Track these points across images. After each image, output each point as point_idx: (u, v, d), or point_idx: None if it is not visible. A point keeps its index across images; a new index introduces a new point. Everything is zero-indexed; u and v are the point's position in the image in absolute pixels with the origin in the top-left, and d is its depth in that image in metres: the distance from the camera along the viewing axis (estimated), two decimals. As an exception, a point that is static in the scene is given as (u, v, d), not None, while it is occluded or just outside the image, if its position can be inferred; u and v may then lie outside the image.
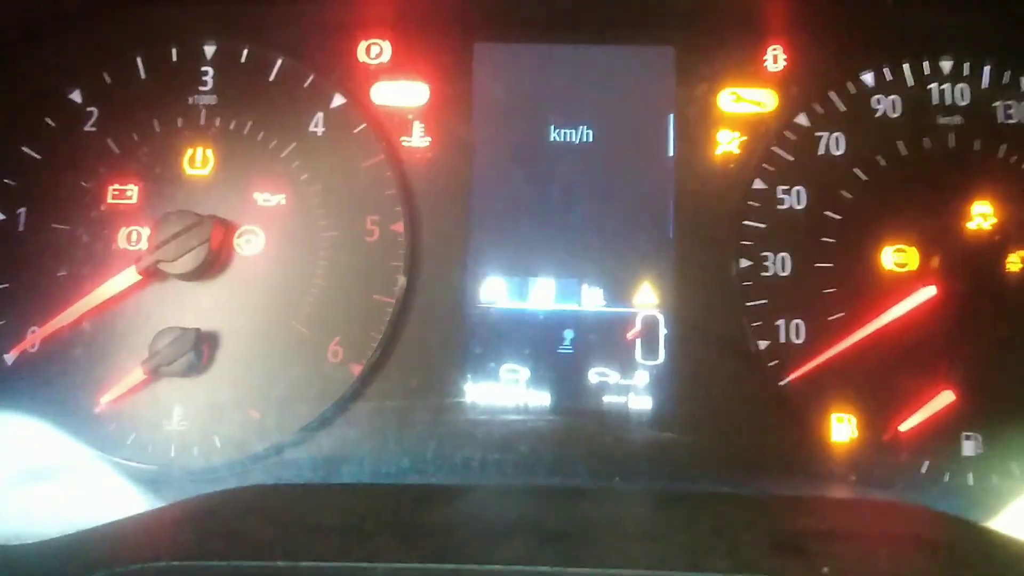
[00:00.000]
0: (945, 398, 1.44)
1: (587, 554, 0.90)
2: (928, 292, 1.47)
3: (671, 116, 1.58)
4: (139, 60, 1.58)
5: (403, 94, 1.59)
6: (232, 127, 1.56)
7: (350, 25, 1.60)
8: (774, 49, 1.60)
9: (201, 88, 1.57)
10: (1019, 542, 1.00)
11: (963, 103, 1.57)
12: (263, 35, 1.59)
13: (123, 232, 1.53)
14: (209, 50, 1.59)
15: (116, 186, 1.54)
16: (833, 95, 1.58)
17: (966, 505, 1.40)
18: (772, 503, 1.21)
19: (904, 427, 1.44)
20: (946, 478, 1.45)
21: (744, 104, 1.59)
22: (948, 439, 1.45)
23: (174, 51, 1.59)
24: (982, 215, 1.51)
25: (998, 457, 1.44)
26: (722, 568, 0.84)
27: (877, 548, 0.97)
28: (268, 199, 1.54)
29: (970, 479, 1.44)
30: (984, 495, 1.43)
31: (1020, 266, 1.48)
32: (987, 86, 1.57)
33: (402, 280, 1.51)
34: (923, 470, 1.45)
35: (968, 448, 1.45)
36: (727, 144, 1.57)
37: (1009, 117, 1.55)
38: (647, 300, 1.52)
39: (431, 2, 1.60)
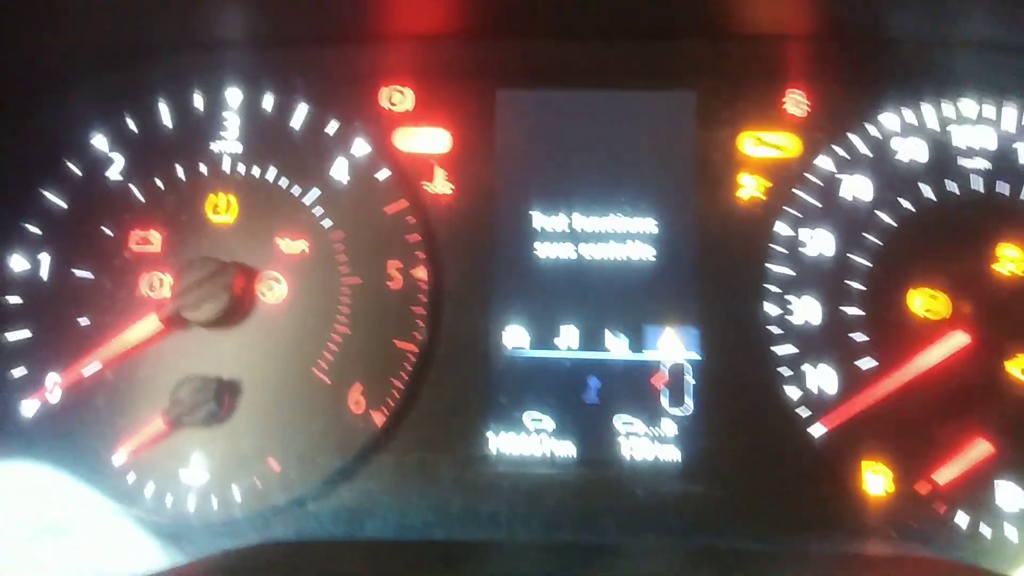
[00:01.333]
0: (981, 448, 1.41)
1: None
2: (960, 339, 1.45)
3: (693, 161, 1.57)
4: (163, 106, 1.59)
5: (426, 141, 1.59)
6: (255, 174, 1.56)
7: (373, 72, 1.61)
8: (793, 93, 1.60)
9: (224, 135, 1.58)
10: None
11: (986, 145, 1.56)
12: (286, 81, 1.59)
13: (145, 279, 1.53)
14: (233, 97, 1.60)
15: (139, 233, 1.54)
16: (855, 138, 1.57)
17: (1005, 560, 1.37)
18: (807, 560, 1.17)
19: (939, 478, 1.41)
20: (983, 530, 1.41)
21: (765, 148, 1.58)
22: (985, 490, 1.42)
23: (198, 97, 1.60)
24: (1011, 259, 1.49)
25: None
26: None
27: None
28: (291, 246, 1.54)
29: (1006, 531, 1.41)
30: (1018, 546, 1.40)
31: (1051, 310, 1.46)
32: (1009, 127, 1.56)
33: (424, 326, 1.49)
34: (960, 523, 1.41)
35: (1004, 499, 1.42)
36: (750, 188, 1.56)
37: (1033, 159, 1.54)
38: (673, 347, 1.50)
39: (453, 50, 1.61)
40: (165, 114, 1.59)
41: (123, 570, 1.30)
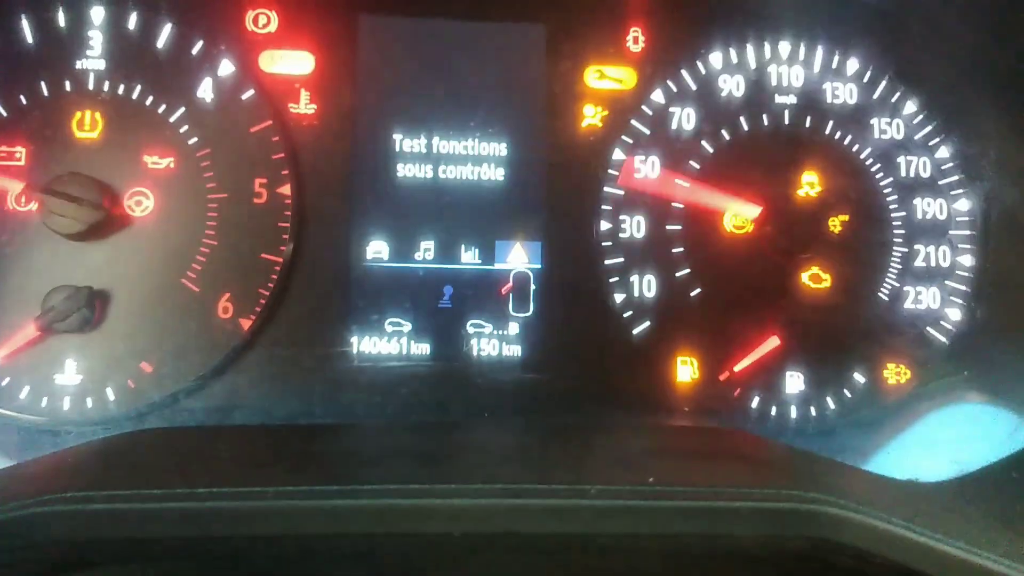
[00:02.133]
0: (772, 342, 1.67)
1: (453, 473, 1.05)
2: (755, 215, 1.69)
3: (541, 91, 1.72)
4: (26, 23, 1.60)
5: (290, 63, 1.67)
6: (121, 91, 1.61)
7: (238, -6, 1.66)
8: (635, 30, 1.75)
9: (89, 53, 1.61)
10: (814, 456, 1.23)
11: (797, 84, 1.77)
12: (151, 1, 1.63)
13: (12, 194, 1.56)
14: (97, 14, 1.62)
15: (3, 148, 1.57)
16: (685, 74, 1.75)
17: (790, 435, 1.64)
18: (616, 430, 1.39)
19: (737, 368, 1.67)
20: (773, 411, 1.68)
21: (607, 81, 1.74)
22: (773, 377, 1.68)
23: (61, 15, 1.61)
24: (809, 184, 1.72)
25: (815, 393, 1.69)
26: (565, 480, 1.00)
27: (698, 463, 1.16)
28: (157, 162, 1.60)
29: (789, 410, 1.68)
30: (803, 424, 1.68)
31: (839, 229, 1.71)
32: (818, 68, 1.78)
33: (289, 239, 1.60)
34: (753, 404, 1.68)
35: (791, 385, 1.69)
36: (591, 118, 1.72)
37: (836, 98, 1.77)
38: (519, 259, 1.68)
39: (316, -25, 1.68)
40: (28, 31, 1.60)
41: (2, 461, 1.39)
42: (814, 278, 1.70)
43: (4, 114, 1.58)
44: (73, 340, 1.53)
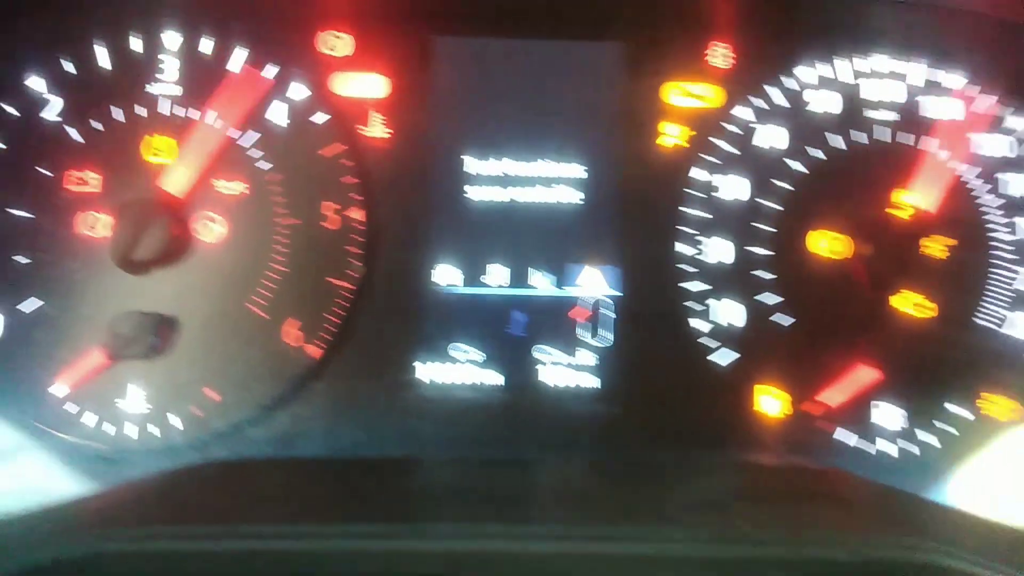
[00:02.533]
0: (867, 374, 1.55)
1: (528, 515, 0.97)
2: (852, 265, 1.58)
3: (618, 110, 1.64)
4: (100, 48, 1.61)
5: (363, 86, 1.64)
6: (193, 116, 1.60)
7: (311, 16, 1.64)
8: (718, 45, 1.67)
9: (162, 77, 1.61)
10: (920, 499, 1.10)
11: (892, 98, 1.66)
12: (226, 24, 1.62)
13: (83, 218, 1.56)
14: (171, 39, 1.63)
15: (76, 173, 1.57)
16: (772, 90, 1.66)
17: (887, 474, 1.50)
18: (700, 469, 1.29)
19: (828, 400, 1.54)
20: (865, 446, 1.55)
21: (689, 98, 1.66)
22: (868, 411, 1.56)
23: (135, 39, 1.62)
24: (908, 205, 1.60)
25: (915, 428, 1.56)
26: (649, 525, 0.91)
27: (792, 505, 1.06)
28: (228, 187, 1.58)
29: (885, 446, 1.55)
30: (903, 463, 1.54)
31: (934, 251, 1.58)
32: (915, 82, 1.66)
33: (359, 265, 1.56)
34: (847, 441, 1.55)
35: (889, 420, 1.55)
36: (672, 136, 1.65)
37: (937, 114, 1.64)
38: (594, 285, 1.60)
39: (390, -5, 1.65)
40: (102, 56, 1.61)
41: (67, 491, 1.36)
42: (913, 305, 1.57)
43: (78, 139, 1.59)
44: (139, 367, 1.52)
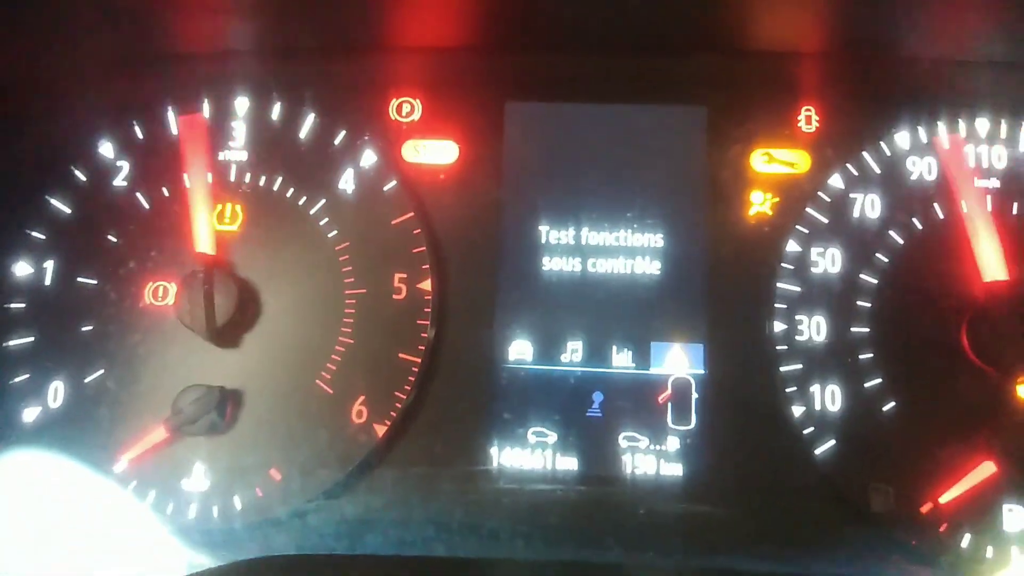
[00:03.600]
0: (986, 469, 1.40)
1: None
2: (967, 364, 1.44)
3: (702, 177, 1.56)
4: (171, 115, 1.59)
5: (434, 152, 1.58)
6: (262, 183, 1.56)
7: (382, 83, 1.60)
8: (807, 110, 1.59)
9: (231, 144, 1.58)
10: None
11: (1000, 165, 1.55)
12: (295, 91, 1.59)
13: (150, 288, 1.52)
14: (241, 105, 1.60)
15: (145, 241, 1.53)
16: (867, 156, 1.56)
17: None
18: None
19: (944, 499, 1.40)
20: (988, 552, 1.39)
21: (777, 165, 1.57)
22: (990, 512, 1.40)
23: (206, 106, 1.59)
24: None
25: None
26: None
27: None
28: (296, 256, 1.53)
29: (1011, 553, 1.39)
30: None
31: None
32: (1018, 148, 1.55)
33: (428, 338, 1.48)
34: (964, 544, 1.40)
35: (1011, 522, 1.40)
36: (760, 205, 1.55)
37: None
38: (679, 364, 1.49)
39: (463, 61, 1.60)
40: (172, 123, 1.59)
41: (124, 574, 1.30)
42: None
43: (146, 206, 1.55)
44: (202, 443, 1.45)
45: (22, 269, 1.54)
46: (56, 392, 1.48)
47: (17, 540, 1.39)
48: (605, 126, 1.59)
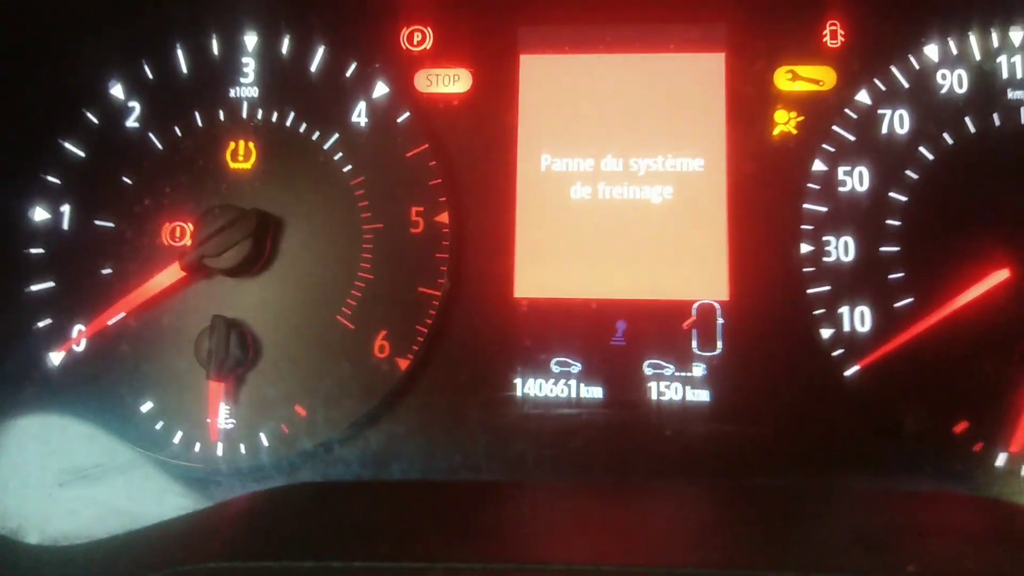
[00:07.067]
0: (1021, 386, 1.36)
1: (652, 553, 0.85)
2: (999, 275, 1.39)
3: (725, 97, 1.51)
4: (180, 52, 1.56)
5: (446, 82, 1.55)
6: (274, 119, 1.54)
7: (392, 11, 1.56)
8: (832, 24, 1.53)
9: (242, 80, 1.55)
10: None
11: (1031, 77, 1.49)
12: (304, 24, 1.56)
13: (167, 228, 1.51)
14: (250, 41, 1.57)
15: (158, 181, 1.52)
16: (895, 70, 1.50)
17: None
18: (847, 497, 1.14)
19: (979, 418, 1.36)
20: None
21: (801, 82, 1.52)
22: (1025, 429, 1.37)
23: (215, 42, 1.57)
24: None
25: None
26: (804, 566, 0.78)
27: (960, 544, 0.91)
28: (311, 192, 1.51)
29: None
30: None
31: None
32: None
33: (448, 271, 1.47)
34: (999, 463, 1.37)
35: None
36: (784, 124, 1.51)
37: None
38: (703, 289, 1.46)
39: (473, -14, 1.56)
40: (182, 60, 1.56)
41: (151, 514, 1.31)
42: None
43: (159, 146, 1.54)
44: (229, 382, 1.45)
45: (39, 214, 1.53)
46: (79, 335, 1.49)
47: (45, 483, 1.41)
48: (624, 49, 1.54)
